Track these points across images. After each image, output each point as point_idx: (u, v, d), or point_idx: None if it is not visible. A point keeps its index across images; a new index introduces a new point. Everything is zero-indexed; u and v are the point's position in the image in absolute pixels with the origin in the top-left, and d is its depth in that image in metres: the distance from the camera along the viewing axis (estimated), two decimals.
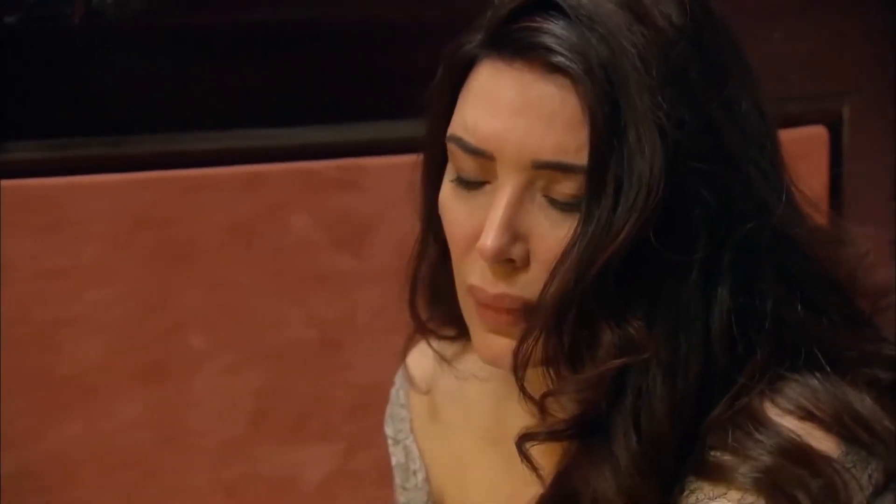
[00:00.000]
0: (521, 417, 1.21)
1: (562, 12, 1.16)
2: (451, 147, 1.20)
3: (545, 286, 1.15)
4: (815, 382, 1.17)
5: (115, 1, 1.67)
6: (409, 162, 1.70)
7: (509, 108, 1.18)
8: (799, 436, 1.13)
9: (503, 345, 1.18)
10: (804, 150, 1.71)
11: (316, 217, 1.70)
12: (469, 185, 1.20)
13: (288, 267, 1.70)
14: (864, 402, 1.17)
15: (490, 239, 1.16)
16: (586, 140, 1.14)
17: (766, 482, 1.11)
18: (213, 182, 1.71)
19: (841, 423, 1.16)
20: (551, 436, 1.16)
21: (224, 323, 1.71)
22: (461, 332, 1.32)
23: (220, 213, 1.71)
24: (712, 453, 1.14)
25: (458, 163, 1.20)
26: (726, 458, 1.13)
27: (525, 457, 1.16)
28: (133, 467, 1.72)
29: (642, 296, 1.15)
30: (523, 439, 1.16)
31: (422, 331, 1.36)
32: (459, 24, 1.77)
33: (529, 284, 1.16)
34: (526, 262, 1.17)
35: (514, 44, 1.18)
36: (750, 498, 1.12)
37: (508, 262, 1.16)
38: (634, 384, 1.14)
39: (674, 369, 1.15)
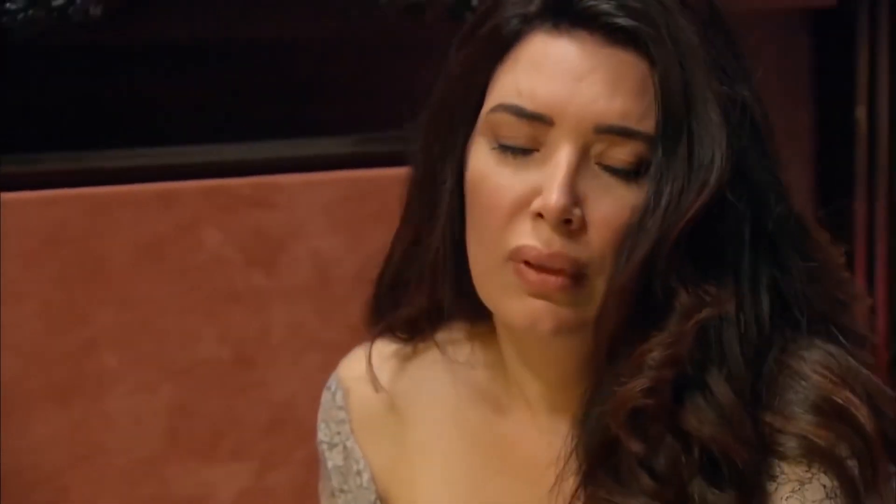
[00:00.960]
0: (499, 411, 1.29)
1: None
2: (498, 117, 1.22)
3: (617, 253, 1.19)
4: (835, 350, 1.22)
5: (23, 19, 1.66)
6: (323, 179, 1.72)
7: (572, 73, 1.21)
8: (833, 393, 1.19)
9: (545, 308, 1.19)
10: None
11: (229, 234, 1.70)
12: (516, 152, 1.22)
13: (201, 284, 1.70)
14: (871, 376, 1.23)
15: (555, 195, 1.18)
16: (650, 107, 1.19)
17: (812, 447, 1.18)
18: (125, 199, 1.70)
19: (862, 390, 1.20)
20: (654, 392, 1.18)
21: (136, 340, 1.71)
22: (413, 336, 1.35)
23: (132, 230, 1.70)
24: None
25: (506, 131, 1.22)
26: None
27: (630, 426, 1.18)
28: (45, 486, 1.71)
29: (708, 262, 1.19)
30: (635, 397, 1.18)
31: (381, 332, 1.37)
32: (372, 41, 1.78)
33: (585, 247, 1.19)
34: (581, 225, 1.19)
35: (574, 13, 1.21)
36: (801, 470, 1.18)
37: (566, 224, 1.19)
38: (716, 336, 1.19)
39: (745, 325, 1.20)
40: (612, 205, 1.21)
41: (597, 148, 1.20)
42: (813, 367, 1.20)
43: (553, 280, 1.20)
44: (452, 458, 1.33)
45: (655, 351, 1.18)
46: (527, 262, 1.19)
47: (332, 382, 1.42)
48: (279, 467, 1.72)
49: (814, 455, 1.18)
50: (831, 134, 2.08)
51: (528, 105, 1.22)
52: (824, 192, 2.09)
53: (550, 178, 1.20)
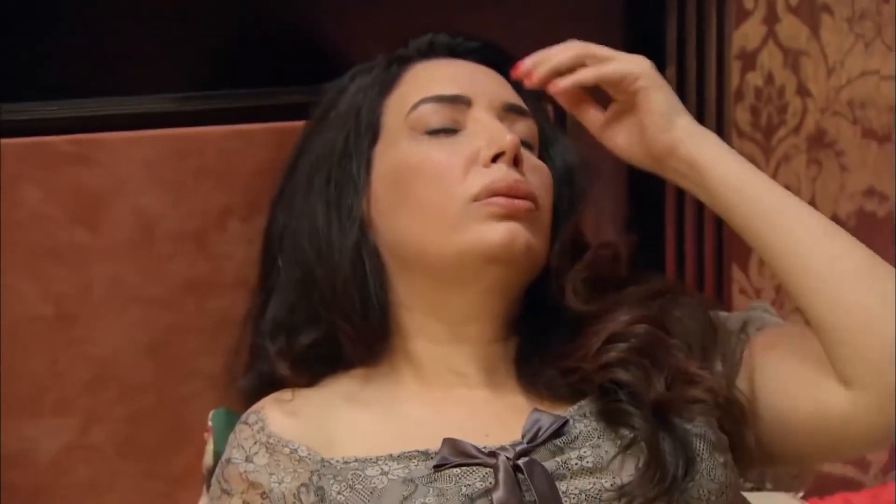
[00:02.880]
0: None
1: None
2: (420, 110, 1.48)
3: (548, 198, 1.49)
4: None
5: None
6: (145, 136, 1.72)
7: (469, 74, 1.52)
8: None
9: (517, 228, 1.42)
10: None
11: (50, 191, 1.69)
12: (447, 132, 1.47)
13: (22, 241, 1.69)
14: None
15: (508, 135, 1.44)
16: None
17: None
18: None
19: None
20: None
21: None
22: (310, 381, 1.51)
23: None
24: None
25: (429, 119, 1.48)
26: None
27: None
28: None
29: None
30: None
31: (284, 384, 1.50)
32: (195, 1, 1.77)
33: (531, 182, 1.45)
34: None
35: (451, 47, 1.55)
36: None
37: (516, 164, 1.44)
38: None
39: None
40: (533, 160, 1.49)
41: (506, 124, 1.47)
42: None
43: (521, 202, 1.43)
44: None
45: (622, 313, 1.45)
46: (496, 194, 1.42)
47: (243, 419, 1.48)
48: (102, 423, 1.72)
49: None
50: None
51: (447, 91, 1.49)
52: None
53: (492, 130, 1.46)
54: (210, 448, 1.68)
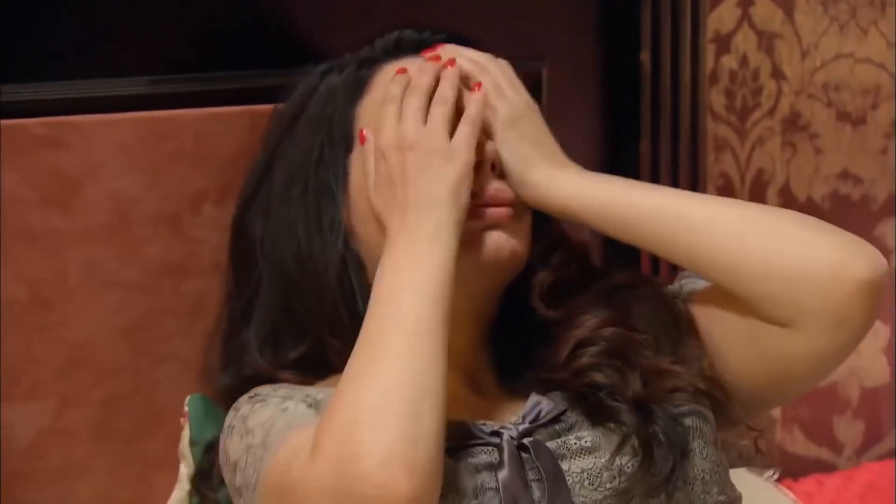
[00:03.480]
0: None
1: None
2: None
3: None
4: None
5: None
6: (120, 119, 1.71)
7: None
8: None
9: (502, 236, 1.44)
10: None
11: (24, 175, 1.69)
12: None
13: None
14: None
15: (486, 139, 1.44)
16: None
17: None
18: None
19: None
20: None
21: None
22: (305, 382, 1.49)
23: None
24: None
25: None
26: None
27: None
28: None
29: None
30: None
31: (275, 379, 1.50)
32: None
33: (509, 188, 1.46)
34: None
35: (418, 43, 1.53)
36: None
37: (493, 169, 1.45)
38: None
39: None
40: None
41: None
42: None
43: (503, 210, 1.44)
44: None
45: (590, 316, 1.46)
46: (477, 205, 1.42)
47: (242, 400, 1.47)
48: (77, 406, 1.72)
49: None
50: (618, 78, 2.14)
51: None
52: (614, 134, 2.14)
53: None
54: (186, 434, 1.68)
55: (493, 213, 1.44)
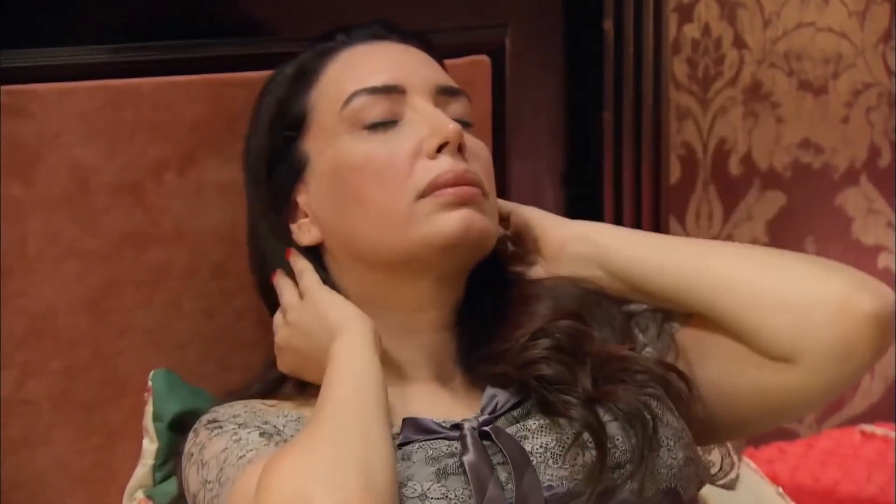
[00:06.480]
0: None
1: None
2: (355, 104, 1.46)
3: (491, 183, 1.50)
4: None
5: None
6: (79, 88, 1.70)
7: (394, 58, 1.51)
8: None
9: (471, 214, 1.43)
10: (469, 78, 1.77)
11: None
12: (385, 125, 1.46)
13: None
14: None
15: (450, 124, 1.44)
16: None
17: None
18: None
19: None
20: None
21: None
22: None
23: None
24: None
25: (366, 113, 1.46)
26: None
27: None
28: None
29: None
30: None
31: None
32: None
33: (475, 169, 1.46)
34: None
35: (374, 32, 1.53)
36: None
37: (460, 151, 1.45)
38: None
39: None
40: (473, 140, 1.49)
41: (440, 107, 1.48)
42: None
43: (470, 189, 1.44)
44: None
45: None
46: (444, 186, 1.42)
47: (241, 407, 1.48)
48: (37, 377, 1.71)
49: None
50: (581, 47, 2.14)
51: (379, 81, 1.47)
52: (577, 103, 2.14)
53: (433, 119, 1.46)
54: (150, 409, 1.68)
55: (463, 191, 1.43)
